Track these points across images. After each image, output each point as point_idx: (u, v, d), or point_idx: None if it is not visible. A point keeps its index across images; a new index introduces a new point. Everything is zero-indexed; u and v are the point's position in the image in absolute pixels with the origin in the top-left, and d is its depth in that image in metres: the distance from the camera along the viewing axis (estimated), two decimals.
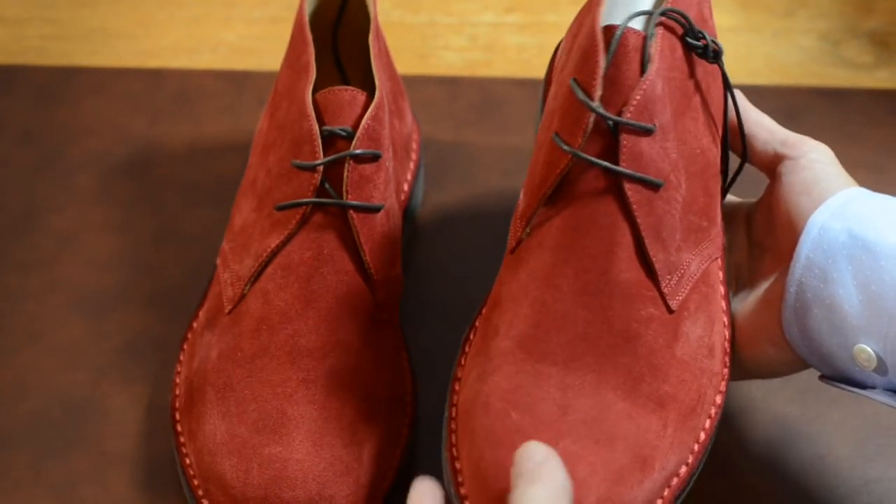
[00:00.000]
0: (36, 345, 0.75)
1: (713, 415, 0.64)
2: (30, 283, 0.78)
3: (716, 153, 0.66)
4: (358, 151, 0.69)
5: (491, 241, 0.79)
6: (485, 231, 0.79)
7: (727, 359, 0.65)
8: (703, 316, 0.65)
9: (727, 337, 0.66)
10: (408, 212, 0.77)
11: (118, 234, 0.80)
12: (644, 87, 0.61)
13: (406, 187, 0.77)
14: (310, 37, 0.72)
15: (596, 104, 0.61)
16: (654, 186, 0.62)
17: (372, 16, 0.74)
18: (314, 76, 0.71)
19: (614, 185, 0.62)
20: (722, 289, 0.67)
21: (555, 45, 0.88)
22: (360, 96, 0.70)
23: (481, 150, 0.83)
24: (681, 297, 0.64)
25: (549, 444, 0.59)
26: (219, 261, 0.73)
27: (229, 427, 0.67)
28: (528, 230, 0.64)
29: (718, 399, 0.64)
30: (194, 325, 0.73)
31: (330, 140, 0.70)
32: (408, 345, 0.74)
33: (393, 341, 0.71)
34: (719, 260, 0.67)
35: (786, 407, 0.72)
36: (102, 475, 0.70)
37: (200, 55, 0.88)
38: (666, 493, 0.61)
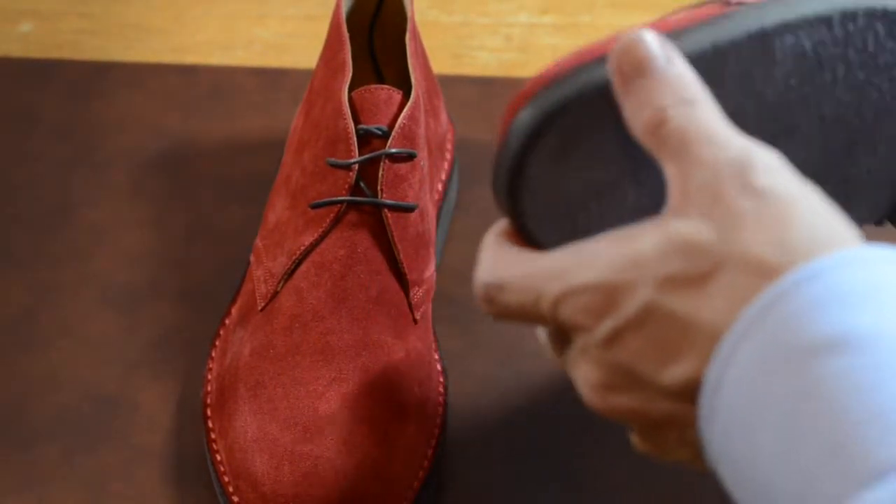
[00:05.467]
0: (67, 339, 0.75)
1: None
2: (62, 276, 0.78)
3: None
4: (393, 150, 0.69)
5: None
6: None
7: None
8: None
9: None
10: (441, 212, 0.77)
11: (151, 229, 0.80)
12: None
13: (440, 187, 0.77)
14: (346, 35, 0.72)
15: None
16: None
17: (409, 15, 0.74)
18: (350, 75, 0.71)
19: None
20: None
21: None
22: (396, 95, 0.70)
23: None
24: None
25: None
26: (252, 258, 0.73)
27: (261, 424, 0.67)
28: None
29: None
30: (226, 321, 0.73)
31: (365, 138, 0.70)
32: (440, 345, 0.74)
33: (425, 341, 0.71)
34: None
35: None
36: (132, 470, 0.70)
37: (235, 52, 0.88)
38: None
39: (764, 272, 0.46)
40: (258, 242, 0.73)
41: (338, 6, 0.74)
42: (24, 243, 0.79)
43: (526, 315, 0.53)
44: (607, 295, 0.49)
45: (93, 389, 0.73)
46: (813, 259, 0.46)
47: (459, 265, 0.78)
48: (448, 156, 0.78)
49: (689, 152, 0.49)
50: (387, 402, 0.67)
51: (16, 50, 0.89)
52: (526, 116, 0.54)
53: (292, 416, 0.67)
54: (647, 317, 0.49)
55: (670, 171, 0.50)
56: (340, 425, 0.66)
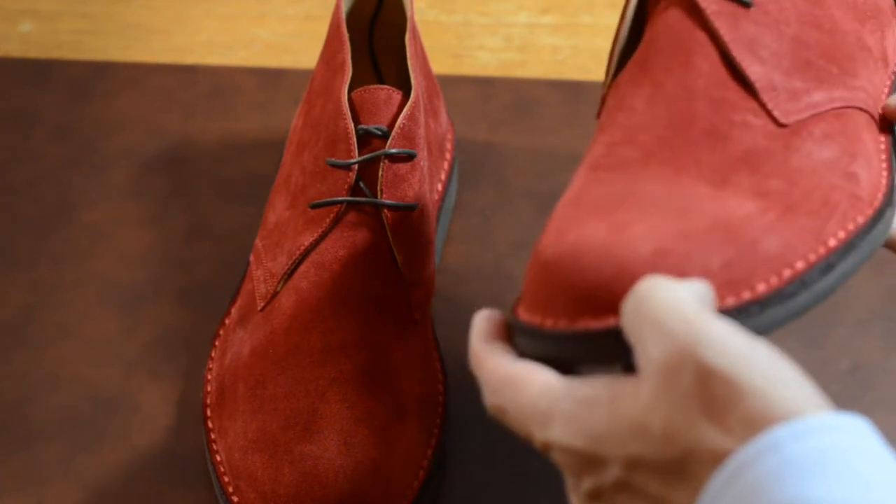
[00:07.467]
0: (67, 339, 0.75)
1: (850, 229, 0.54)
2: (62, 277, 0.78)
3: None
4: (393, 150, 0.69)
5: (523, 241, 0.79)
6: (517, 232, 0.79)
7: (882, 199, 0.56)
8: (838, 146, 0.56)
9: (887, 184, 0.56)
10: (441, 212, 0.77)
11: (151, 229, 0.80)
12: None
13: (440, 187, 0.77)
14: (346, 35, 0.72)
15: None
16: (742, 4, 0.57)
17: (408, 15, 0.74)
18: (350, 75, 0.71)
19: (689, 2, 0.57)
20: (880, 140, 0.57)
21: (589, 47, 0.88)
22: (396, 95, 0.70)
23: (515, 150, 0.83)
24: (795, 117, 0.56)
25: (594, 219, 0.52)
26: (252, 258, 0.73)
27: (260, 424, 0.67)
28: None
29: (859, 219, 0.55)
30: (226, 321, 0.73)
31: (365, 139, 0.70)
32: (439, 345, 0.74)
33: (425, 341, 0.71)
34: (868, 115, 0.58)
35: None
36: (132, 470, 0.70)
37: (234, 52, 0.88)
38: (772, 280, 0.52)
39: (718, 458, 0.47)
40: (258, 242, 0.73)
41: (338, 6, 0.74)
42: (24, 243, 0.79)
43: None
44: (584, 460, 0.50)
45: (93, 389, 0.74)
46: (763, 433, 0.46)
47: (459, 265, 0.78)
48: (448, 156, 0.78)
49: (642, 333, 0.49)
50: (387, 402, 0.67)
51: (16, 50, 0.89)
52: (533, 350, 0.54)
53: (292, 416, 0.67)
54: (624, 488, 0.50)
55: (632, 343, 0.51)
56: (340, 425, 0.66)
